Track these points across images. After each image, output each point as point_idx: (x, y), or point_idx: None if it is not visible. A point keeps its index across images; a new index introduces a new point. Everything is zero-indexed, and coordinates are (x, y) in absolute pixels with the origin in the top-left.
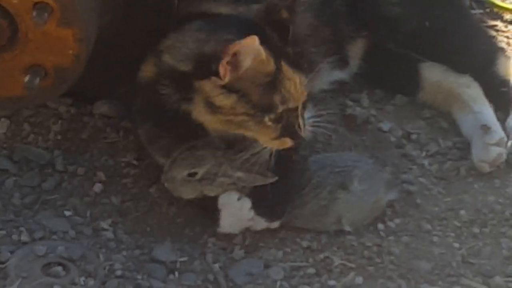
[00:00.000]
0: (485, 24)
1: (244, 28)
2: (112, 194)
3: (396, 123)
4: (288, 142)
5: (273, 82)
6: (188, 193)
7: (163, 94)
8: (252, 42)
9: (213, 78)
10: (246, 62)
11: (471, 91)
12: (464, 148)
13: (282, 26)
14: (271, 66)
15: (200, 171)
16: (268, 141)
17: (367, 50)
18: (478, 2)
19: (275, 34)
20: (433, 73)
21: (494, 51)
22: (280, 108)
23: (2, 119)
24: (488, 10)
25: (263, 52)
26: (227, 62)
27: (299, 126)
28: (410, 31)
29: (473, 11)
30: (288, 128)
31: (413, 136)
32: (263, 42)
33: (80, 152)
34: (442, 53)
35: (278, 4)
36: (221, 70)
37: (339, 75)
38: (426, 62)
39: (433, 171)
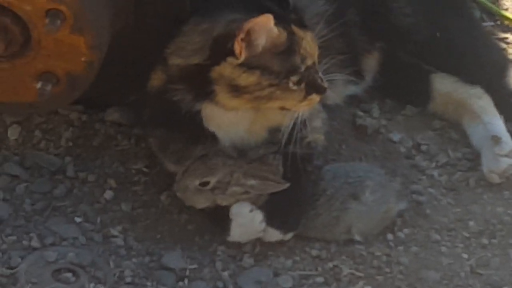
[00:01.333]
0: (495, 37)
1: (243, 6)
2: (122, 201)
3: (406, 134)
4: (316, 98)
5: (290, 47)
6: (201, 202)
7: (175, 100)
8: (266, 21)
9: (230, 58)
10: (261, 40)
11: (482, 102)
12: (474, 159)
13: None
14: (283, 35)
15: (212, 180)
16: (297, 105)
17: (382, 63)
18: (489, 15)
19: (274, 4)
20: (443, 84)
21: (504, 63)
22: (302, 68)
23: (14, 126)
24: (498, 22)
25: (275, 28)
26: (242, 39)
27: (321, 80)
28: (421, 41)
29: (484, 24)
30: (311, 84)
31: (423, 147)
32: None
33: (91, 159)
34: (453, 64)
35: None
36: (236, 47)
37: (355, 89)
38: (437, 73)
39: (443, 182)
